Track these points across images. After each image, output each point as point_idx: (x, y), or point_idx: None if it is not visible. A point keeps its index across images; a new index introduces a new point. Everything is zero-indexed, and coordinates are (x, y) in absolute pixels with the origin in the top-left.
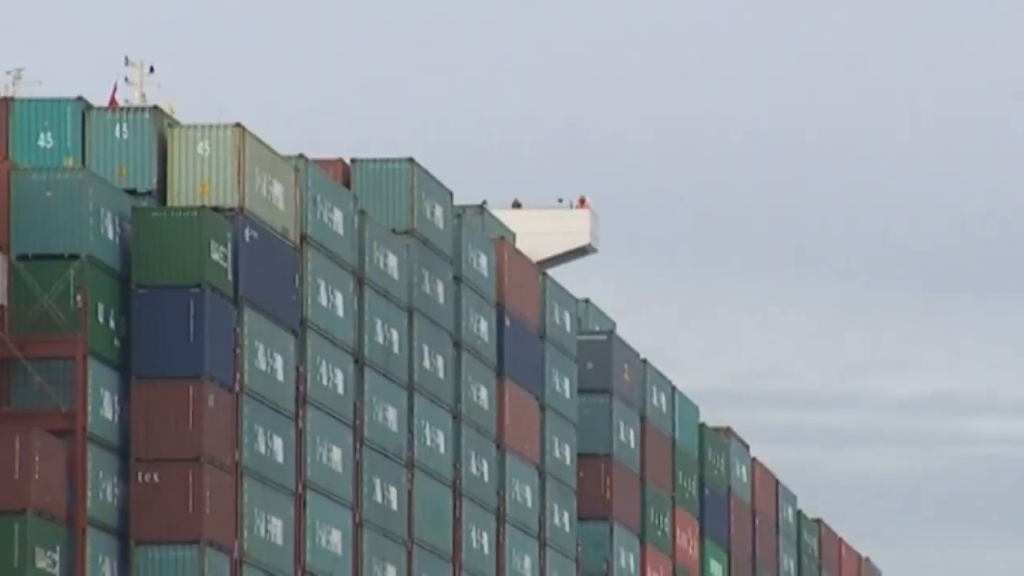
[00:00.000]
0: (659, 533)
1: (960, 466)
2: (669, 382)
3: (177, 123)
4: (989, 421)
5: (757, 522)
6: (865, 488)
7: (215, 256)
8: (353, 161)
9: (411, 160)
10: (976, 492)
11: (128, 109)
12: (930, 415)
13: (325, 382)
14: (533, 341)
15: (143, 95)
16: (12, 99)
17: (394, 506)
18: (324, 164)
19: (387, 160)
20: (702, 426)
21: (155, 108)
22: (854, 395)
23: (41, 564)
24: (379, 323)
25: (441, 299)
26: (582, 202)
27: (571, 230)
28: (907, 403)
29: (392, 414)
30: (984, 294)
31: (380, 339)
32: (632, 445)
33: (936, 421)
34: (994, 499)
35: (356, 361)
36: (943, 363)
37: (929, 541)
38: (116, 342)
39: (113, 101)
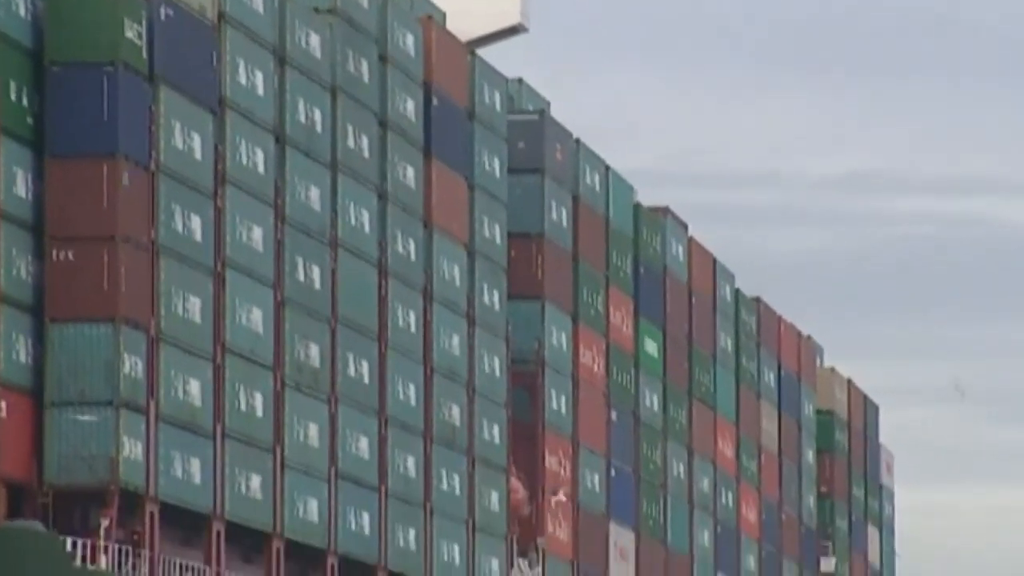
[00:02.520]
0: (592, 312)
1: (882, 244)
2: (603, 161)
3: None
4: (907, 199)
5: (694, 301)
6: (792, 267)
7: (129, 34)
8: None
9: None
10: (904, 269)
11: None
12: (848, 194)
13: (245, 161)
14: (461, 121)
15: None
16: None
17: (317, 285)
18: None
19: None
20: (637, 205)
21: None
22: (778, 173)
23: None
24: (301, 102)
25: (366, 78)
26: None
27: (501, 9)
28: (825, 181)
29: (315, 193)
30: (903, 73)
31: (302, 118)
32: (564, 224)
33: (854, 199)
34: (919, 275)
35: (277, 140)
36: (863, 141)
37: (866, 318)
38: (29, 120)
39: None
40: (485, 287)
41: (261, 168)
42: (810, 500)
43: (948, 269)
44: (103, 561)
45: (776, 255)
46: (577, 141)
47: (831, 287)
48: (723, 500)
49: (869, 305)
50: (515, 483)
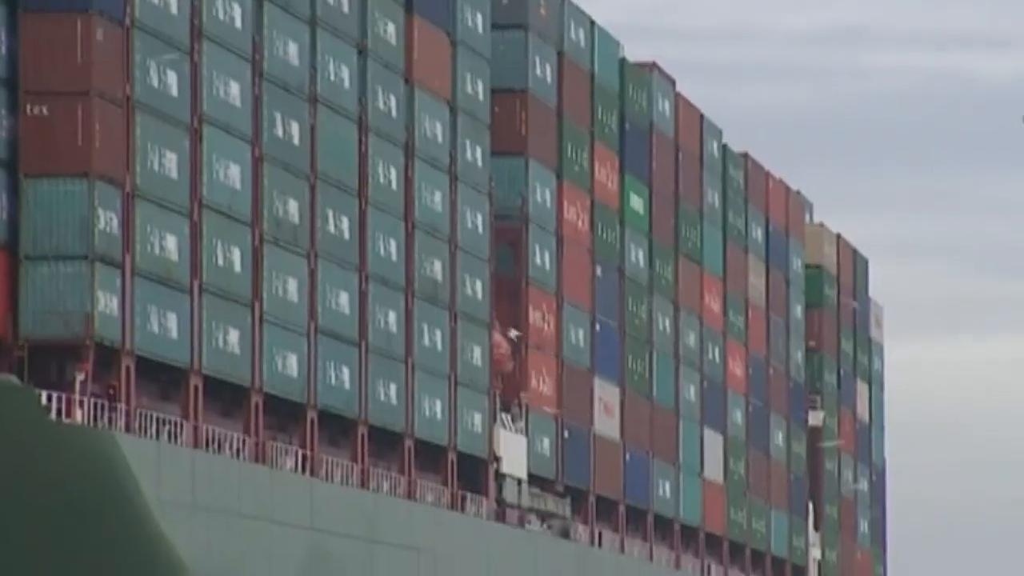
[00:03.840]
0: (577, 168)
1: (867, 98)
2: (588, 17)
3: None
4: (890, 54)
5: (680, 156)
6: (781, 122)
7: None
8: None
9: None
10: (882, 123)
11: None
12: (831, 48)
13: (222, 16)
14: None
15: None
16: None
17: (296, 141)
18: None
19: None
20: (623, 61)
21: None
22: (764, 28)
23: None
24: None
25: None
26: None
27: None
28: (810, 36)
29: (293, 48)
30: None
31: None
32: (548, 80)
33: (837, 54)
34: (899, 130)
35: None
36: None
37: (855, 172)
38: None
39: None
40: (468, 143)
41: (238, 23)
42: (798, 355)
43: (935, 123)
44: (79, 415)
45: (764, 110)
46: None
47: (820, 142)
48: (710, 355)
49: (858, 160)
50: (498, 338)
